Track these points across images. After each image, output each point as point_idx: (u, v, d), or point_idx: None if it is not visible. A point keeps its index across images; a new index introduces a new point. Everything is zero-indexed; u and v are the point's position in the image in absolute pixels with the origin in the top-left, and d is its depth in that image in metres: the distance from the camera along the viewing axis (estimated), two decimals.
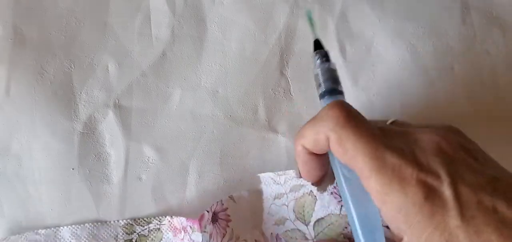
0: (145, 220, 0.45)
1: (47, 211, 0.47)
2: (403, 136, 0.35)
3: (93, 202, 0.47)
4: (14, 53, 0.48)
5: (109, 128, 0.48)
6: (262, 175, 0.44)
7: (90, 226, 0.45)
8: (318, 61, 0.40)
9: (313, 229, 0.43)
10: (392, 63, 0.51)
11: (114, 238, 0.45)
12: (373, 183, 0.33)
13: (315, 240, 0.43)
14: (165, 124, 0.49)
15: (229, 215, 0.44)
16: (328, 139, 0.35)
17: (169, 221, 0.45)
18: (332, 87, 0.38)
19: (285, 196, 0.44)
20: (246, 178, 0.48)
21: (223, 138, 0.49)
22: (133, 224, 0.45)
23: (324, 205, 0.43)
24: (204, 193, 0.48)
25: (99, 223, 0.46)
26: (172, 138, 0.49)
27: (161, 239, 0.45)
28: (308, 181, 0.41)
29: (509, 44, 0.52)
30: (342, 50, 0.51)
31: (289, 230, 0.44)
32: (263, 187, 0.44)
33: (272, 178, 0.44)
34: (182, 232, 0.43)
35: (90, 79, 0.49)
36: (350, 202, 0.36)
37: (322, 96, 0.39)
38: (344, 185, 0.36)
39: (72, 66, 0.49)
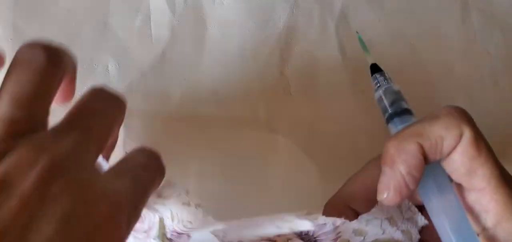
0: None
1: None
2: None
3: None
4: (14, 53, 0.48)
5: None
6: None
7: None
8: (379, 84, 0.39)
9: None
10: (392, 63, 0.50)
11: None
12: (500, 195, 0.32)
13: None
14: (165, 124, 0.49)
15: None
16: (458, 138, 0.32)
17: None
18: (403, 108, 0.37)
19: None
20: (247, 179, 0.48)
21: (223, 138, 0.49)
22: None
23: None
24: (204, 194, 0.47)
25: None
26: (172, 138, 0.48)
27: None
28: (390, 203, 0.33)
29: (509, 44, 0.52)
30: (342, 50, 0.51)
31: None
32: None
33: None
34: None
35: (90, 79, 0.49)
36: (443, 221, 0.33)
37: (390, 118, 0.37)
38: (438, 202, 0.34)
39: None
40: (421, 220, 0.36)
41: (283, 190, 0.48)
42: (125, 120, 0.33)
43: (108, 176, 0.28)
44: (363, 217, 0.35)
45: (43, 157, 0.25)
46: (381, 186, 0.33)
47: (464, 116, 0.32)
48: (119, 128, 0.33)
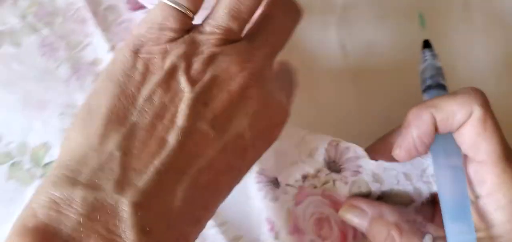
0: None
1: None
2: None
3: None
4: None
5: None
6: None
7: None
8: (426, 58, 0.44)
9: None
10: (392, 63, 0.51)
11: None
12: (497, 168, 0.37)
13: None
14: None
15: None
16: (469, 115, 0.37)
17: None
18: (440, 83, 0.42)
19: None
20: None
21: None
22: None
23: None
24: None
25: None
26: None
27: None
28: (401, 159, 0.40)
29: (509, 44, 0.52)
30: (342, 50, 0.50)
31: None
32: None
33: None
34: None
35: None
36: (444, 185, 0.39)
37: (427, 89, 0.42)
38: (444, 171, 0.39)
39: None
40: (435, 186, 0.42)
41: None
42: None
43: (277, 88, 0.36)
44: (383, 163, 0.41)
45: (246, 67, 0.33)
46: (396, 143, 0.40)
47: (478, 97, 0.37)
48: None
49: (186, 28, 0.33)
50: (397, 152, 0.39)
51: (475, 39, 0.51)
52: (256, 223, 0.44)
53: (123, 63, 0.32)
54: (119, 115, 0.30)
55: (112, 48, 0.46)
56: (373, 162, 0.42)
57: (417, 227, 0.40)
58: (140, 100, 0.31)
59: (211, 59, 0.33)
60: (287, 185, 0.45)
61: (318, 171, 0.43)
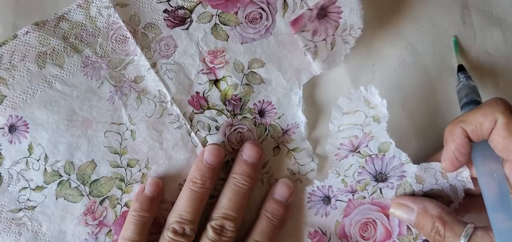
0: None
1: None
2: None
3: None
4: None
5: None
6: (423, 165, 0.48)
7: None
8: (460, 80, 0.49)
9: None
10: (392, 63, 0.51)
11: None
12: None
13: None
14: None
15: None
16: (494, 122, 0.41)
17: None
18: (476, 99, 0.47)
19: None
20: None
21: None
22: None
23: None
24: None
25: None
26: None
27: None
28: (448, 171, 0.46)
29: (509, 44, 0.53)
30: None
31: None
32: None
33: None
34: None
35: None
36: (485, 184, 0.44)
37: (464, 106, 0.47)
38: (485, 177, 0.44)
39: None
40: (469, 183, 0.47)
41: None
42: None
43: None
44: (423, 164, 0.47)
45: None
46: (441, 159, 0.45)
47: (501, 106, 0.41)
48: None
49: None
50: (443, 166, 0.45)
51: (475, 40, 0.52)
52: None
53: None
54: None
55: (153, 65, 0.47)
56: (415, 165, 0.47)
57: (458, 218, 0.44)
58: None
59: None
60: (338, 200, 0.49)
61: (366, 184, 0.48)
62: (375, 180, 0.48)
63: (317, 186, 0.49)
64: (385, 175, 0.48)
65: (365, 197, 0.49)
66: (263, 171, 0.49)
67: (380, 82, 0.51)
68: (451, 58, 0.51)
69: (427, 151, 0.50)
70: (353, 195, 0.49)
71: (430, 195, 0.48)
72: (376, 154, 0.47)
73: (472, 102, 0.47)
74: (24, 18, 0.47)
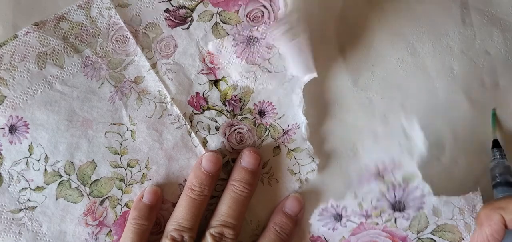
0: None
1: None
2: None
3: None
4: None
5: None
6: None
7: None
8: (495, 157, 0.49)
9: None
10: (392, 63, 0.51)
11: None
12: None
13: None
14: None
15: None
16: None
17: None
18: (510, 181, 0.47)
19: None
20: None
21: None
22: None
23: None
24: None
25: None
26: None
27: None
28: None
29: (509, 44, 0.52)
30: (342, 50, 0.50)
31: None
32: None
33: None
34: None
35: None
36: None
37: (497, 185, 0.47)
38: None
39: None
40: None
41: None
42: None
43: None
44: (443, 197, 0.47)
45: None
46: (472, 239, 0.44)
47: None
48: None
49: None
50: None
51: (475, 40, 0.52)
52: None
53: None
54: None
55: (153, 66, 0.47)
56: (435, 196, 0.47)
57: None
58: None
59: None
60: (349, 220, 0.48)
61: (382, 211, 0.48)
62: (392, 208, 0.48)
63: (331, 204, 0.49)
64: (404, 204, 0.48)
65: (377, 223, 0.48)
66: (263, 171, 0.49)
67: (380, 82, 0.50)
68: (450, 59, 0.51)
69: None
70: (366, 219, 0.48)
71: (443, 230, 0.48)
72: (400, 183, 0.47)
73: (506, 183, 0.47)
74: (24, 18, 0.47)
